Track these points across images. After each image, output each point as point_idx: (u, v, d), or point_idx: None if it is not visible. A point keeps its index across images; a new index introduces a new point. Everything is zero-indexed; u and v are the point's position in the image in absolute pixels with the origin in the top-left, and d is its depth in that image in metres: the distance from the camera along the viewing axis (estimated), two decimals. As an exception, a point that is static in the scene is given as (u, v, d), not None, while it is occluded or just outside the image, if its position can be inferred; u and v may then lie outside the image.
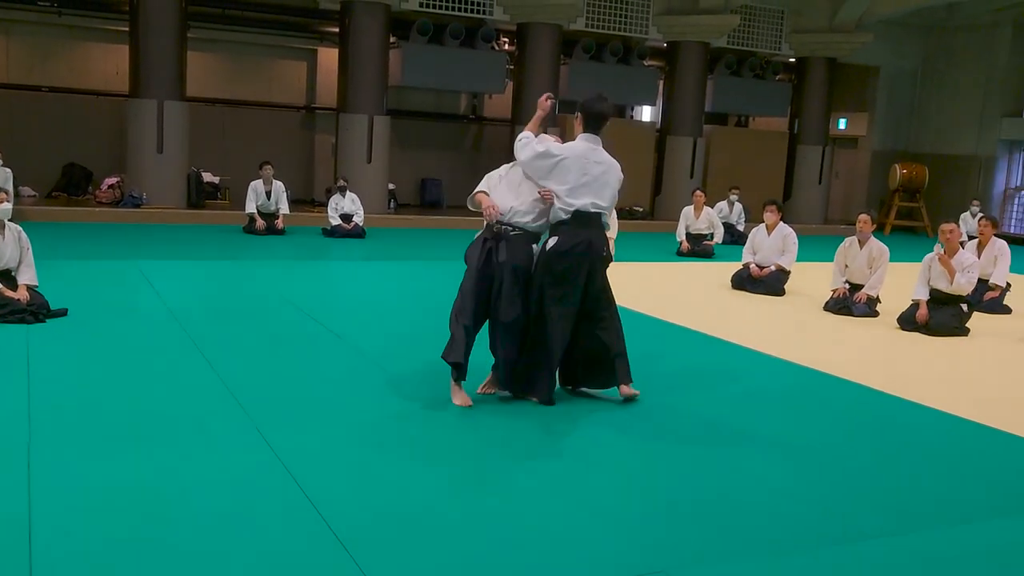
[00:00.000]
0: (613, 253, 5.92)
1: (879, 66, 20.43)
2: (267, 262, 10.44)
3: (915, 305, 8.41)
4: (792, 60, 19.60)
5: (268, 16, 16.15)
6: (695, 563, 3.37)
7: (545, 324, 5.17)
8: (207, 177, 15.50)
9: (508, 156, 18.47)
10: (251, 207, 12.80)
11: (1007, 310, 9.72)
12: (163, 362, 5.77)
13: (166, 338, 6.42)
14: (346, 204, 13.19)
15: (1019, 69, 19.54)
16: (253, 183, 12.91)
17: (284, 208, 13.04)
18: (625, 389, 5.39)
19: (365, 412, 5.00)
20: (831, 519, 3.87)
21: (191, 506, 3.57)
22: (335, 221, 13.04)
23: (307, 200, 16.92)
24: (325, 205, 13.89)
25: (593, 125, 5.32)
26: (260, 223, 12.73)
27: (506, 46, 17.68)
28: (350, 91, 15.24)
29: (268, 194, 12.93)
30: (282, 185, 13.13)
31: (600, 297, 5.31)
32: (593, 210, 5.20)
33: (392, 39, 15.82)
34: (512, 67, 17.20)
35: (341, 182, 13.51)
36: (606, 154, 5.32)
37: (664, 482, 4.22)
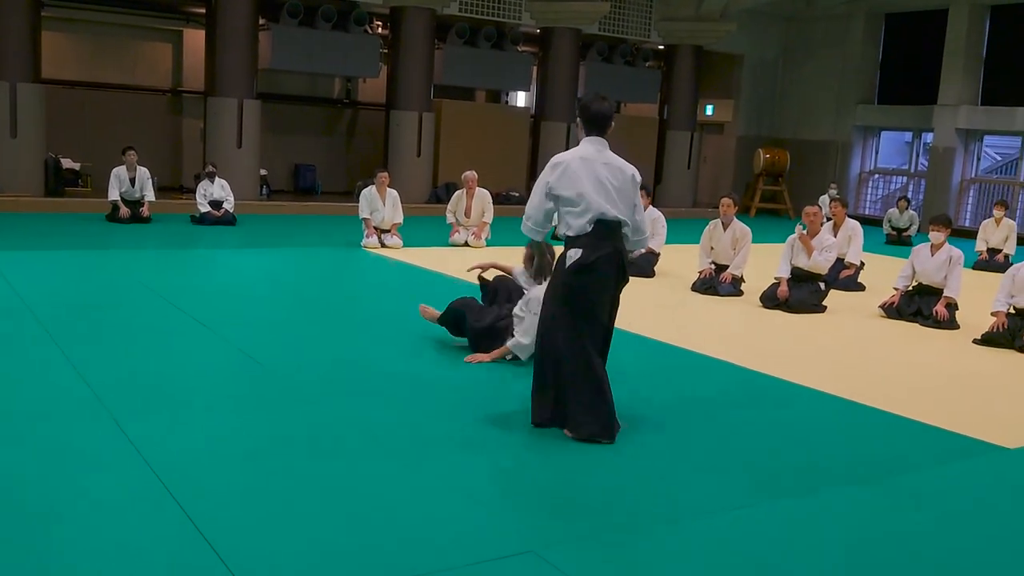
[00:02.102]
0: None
1: (743, 54, 21.15)
2: (132, 251, 10.07)
3: (776, 284, 8.79)
4: (661, 48, 20.09)
5: (130, -5, 15.52)
6: (563, 542, 3.46)
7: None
8: (66, 163, 14.81)
9: (383, 141, 18.18)
10: (114, 194, 12.31)
11: (861, 287, 10.27)
12: (15, 357, 5.52)
13: (20, 332, 6.14)
14: (215, 190, 12.83)
15: (872, 58, 20.55)
16: (116, 169, 12.41)
17: (149, 195, 12.59)
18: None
19: (233, 405, 4.92)
20: (695, 492, 4.03)
21: (45, 503, 3.45)
22: (204, 208, 12.68)
23: (174, 187, 16.36)
24: (193, 192, 13.48)
25: (596, 127, 4.79)
26: (124, 211, 12.26)
27: (379, 30, 17.50)
28: (218, 74, 14.81)
29: (132, 180, 12.45)
30: (147, 171, 12.67)
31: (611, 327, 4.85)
32: (612, 218, 4.66)
33: (262, 21, 15.43)
34: (386, 51, 17.05)
35: (210, 168, 13.13)
36: (616, 157, 4.81)
37: (534, 468, 4.31)
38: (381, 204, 11.44)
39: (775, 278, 8.85)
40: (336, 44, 16.29)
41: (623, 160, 4.80)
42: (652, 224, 10.49)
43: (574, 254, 4.63)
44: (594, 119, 4.79)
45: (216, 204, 12.76)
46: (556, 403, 4.68)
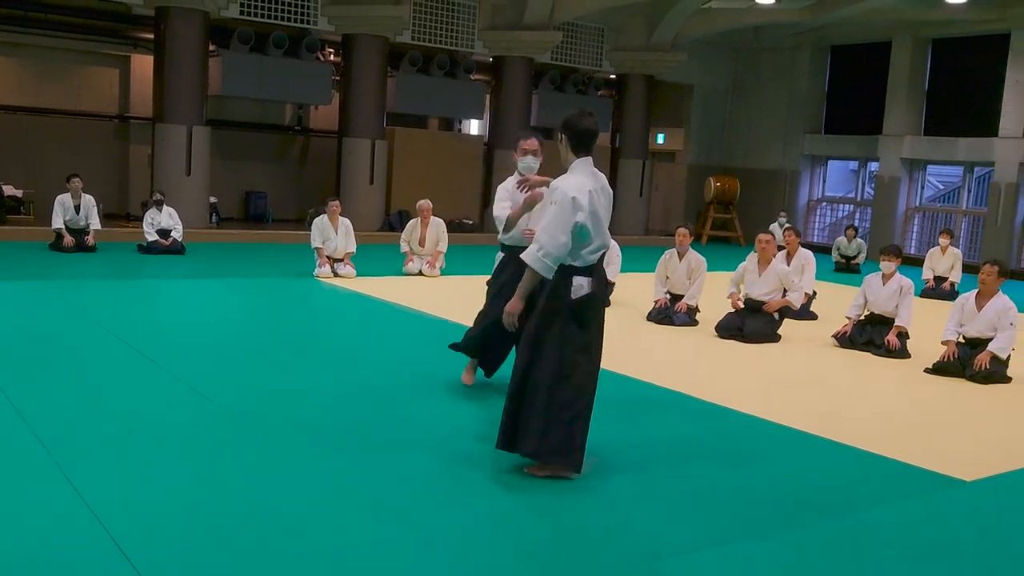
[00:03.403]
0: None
1: (693, 84, 21.42)
2: (76, 282, 9.80)
3: (731, 312, 8.83)
4: (613, 77, 20.26)
5: (75, 20, 15.23)
6: (527, 583, 3.37)
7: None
8: (8, 191, 14.46)
9: (335, 169, 18.00)
10: (58, 222, 12.01)
11: (813, 316, 10.35)
12: (-45, 395, 5.30)
13: (-41, 368, 5.90)
14: (163, 219, 12.59)
15: (818, 89, 20.94)
16: (60, 197, 12.12)
17: (95, 223, 12.32)
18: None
19: (180, 447, 4.75)
20: (671, 530, 3.96)
21: (-15, 557, 3.28)
22: (151, 237, 12.42)
23: (121, 215, 16.05)
24: (140, 220, 13.21)
25: (584, 146, 4.55)
26: (68, 240, 11.97)
27: (332, 57, 17.41)
28: (167, 100, 14.57)
29: (77, 208, 12.17)
30: (92, 199, 12.39)
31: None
32: (608, 245, 4.62)
33: (212, 47, 15.26)
34: (338, 78, 16.95)
35: (157, 195, 12.88)
36: (602, 174, 4.66)
37: (505, 509, 4.21)
38: (333, 233, 11.30)
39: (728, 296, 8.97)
40: (287, 71, 16.17)
41: (604, 176, 4.68)
42: (608, 253, 10.50)
43: (582, 284, 4.46)
44: (583, 137, 4.53)
45: (164, 233, 12.51)
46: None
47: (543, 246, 4.36)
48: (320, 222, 11.31)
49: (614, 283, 10.44)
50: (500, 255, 6.22)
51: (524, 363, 4.53)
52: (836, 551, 3.86)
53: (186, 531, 3.62)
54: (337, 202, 11.58)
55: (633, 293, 10.80)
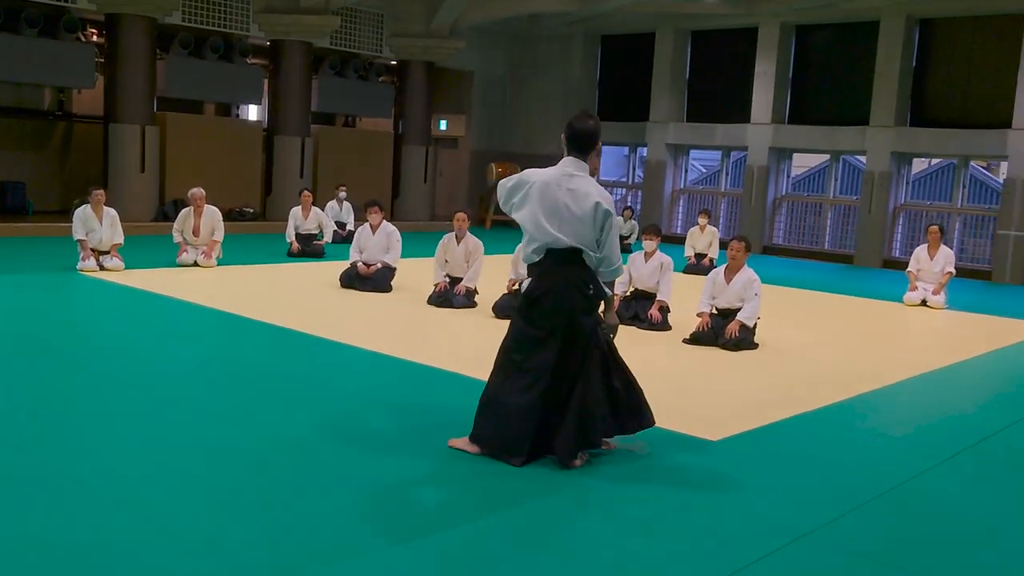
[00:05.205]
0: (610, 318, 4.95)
1: (473, 71, 21.80)
2: None
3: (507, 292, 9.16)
4: (394, 63, 20.29)
5: None
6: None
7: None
8: None
9: (102, 156, 17.00)
10: None
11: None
12: None
13: None
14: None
15: (590, 77, 21.85)
16: None
17: None
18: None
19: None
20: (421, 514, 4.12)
21: None
22: None
23: None
24: None
25: (576, 146, 4.59)
26: None
27: (94, 37, 16.43)
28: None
29: None
30: None
31: (584, 358, 4.62)
32: (566, 247, 4.52)
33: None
34: (103, 60, 16.03)
35: None
36: (587, 181, 4.59)
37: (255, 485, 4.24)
38: (97, 224, 10.74)
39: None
40: (45, 52, 15.14)
41: (597, 187, 4.60)
42: (388, 238, 10.62)
43: (527, 284, 4.62)
44: (573, 137, 4.61)
45: (-97, 227, 11.45)
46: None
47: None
48: (82, 212, 10.71)
49: (395, 268, 10.57)
50: None
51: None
52: (581, 509, 4.17)
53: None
54: (101, 191, 10.99)
55: (416, 278, 10.96)
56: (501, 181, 4.83)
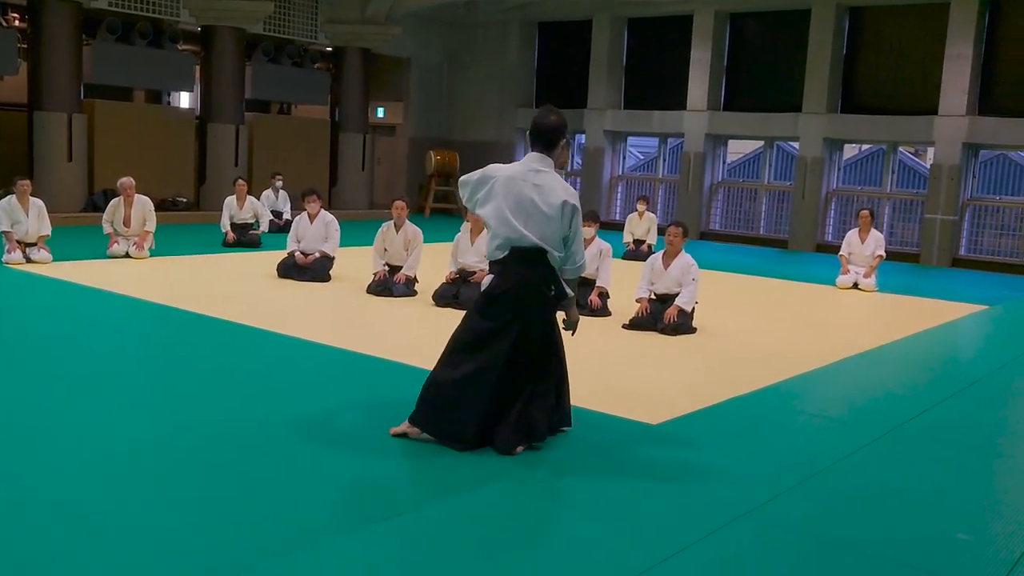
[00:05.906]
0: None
1: (410, 57, 21.63)
2: None
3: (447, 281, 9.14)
4: (329, 49, 20.04)
5: None
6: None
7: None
8: None
9: (26, 146, 16.53)
10: None
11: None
12: None
13: None
14: None
15: (528, 64, 21.84)
16: None
17: None
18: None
19: None
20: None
21: None
22: None
23: None
24: None
25: (539, 141, 4.59)
26: None
27: (16, 22, 15.93)
28: None
29: None
30: None
31: (536, 355, 4.61)
32: (529, 245, 4.47)
33: None
34: (25, 46, 15.53)
35: None
36: (553, 177, 4.56)
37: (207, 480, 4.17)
38: (23, 215, 10.44)
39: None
40: (-37, 37, 14.62)
41: (563, 184, 4.59)
42: (326, 228, 10.50)
43: (486, 281, 4.58)
44: (535, 132, 4.61)
45: None
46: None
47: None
48: (7, 203, 10.39)
49: (334, 257, 10.46)
50: None
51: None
52: (528, 495, 4.17)
53: None
54: (27, 181, 10.68)
55: (354, 268, 10.86)
56: (463, 177, 4.82)
